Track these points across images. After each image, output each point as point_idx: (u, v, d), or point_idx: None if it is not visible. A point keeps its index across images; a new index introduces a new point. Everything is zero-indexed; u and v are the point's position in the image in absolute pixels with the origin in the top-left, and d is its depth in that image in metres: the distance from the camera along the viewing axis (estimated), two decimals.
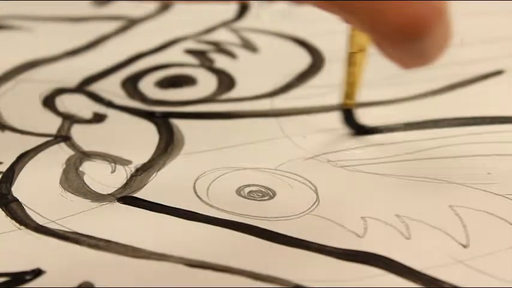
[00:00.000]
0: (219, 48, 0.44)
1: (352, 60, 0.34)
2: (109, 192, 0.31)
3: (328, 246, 0.28)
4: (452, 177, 0.32)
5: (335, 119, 0.36)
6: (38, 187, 0.32)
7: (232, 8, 0.48)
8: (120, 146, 0.34)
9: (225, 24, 0.47)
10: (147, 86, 0.40)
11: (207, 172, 0.32)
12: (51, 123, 0.36)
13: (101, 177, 0.32)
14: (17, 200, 0.31)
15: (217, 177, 0.32)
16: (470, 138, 0.35)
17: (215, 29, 0.46)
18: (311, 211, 0.30)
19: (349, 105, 0.35)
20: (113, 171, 0.33)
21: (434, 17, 0.23)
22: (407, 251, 0.28)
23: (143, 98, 0.39)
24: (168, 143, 0.35)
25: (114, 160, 0.33)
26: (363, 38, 0.33)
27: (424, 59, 0.25)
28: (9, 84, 0.40)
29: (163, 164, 0.33)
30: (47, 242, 0.29)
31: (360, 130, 0.35)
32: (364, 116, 0.36)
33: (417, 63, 0.26)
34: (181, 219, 0.30)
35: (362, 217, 0.30)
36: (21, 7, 0.48)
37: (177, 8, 0.48)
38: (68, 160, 0.33)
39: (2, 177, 0.32)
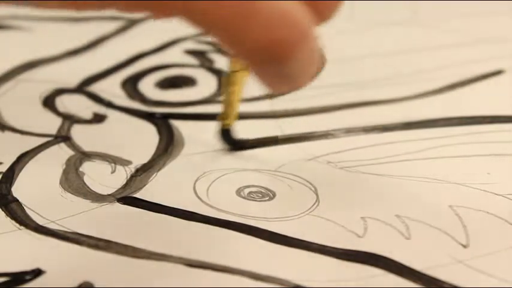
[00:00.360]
0: (219, 48, 0.44)
1: (232, 79, 0.33)
2: (109, 193, 0.31)
3: (328, 246, 0.28)
4: (452, 177, 0.32)
5: (335, 119, 0.36)
6: (38, 187, 0.32)
7: None
8: (120, 147, 0.34)
9: None
10: (147, 86, 0.40)
11: (207, 173, 0.32)
12: (51, 124, 0.36)
13: (101, 177, 0.32)
14: (17, 200, 0.31)
15: (217, 178, 0.32)
16: (470, 137, 0.35)
17: None
18: (311, 211, 0.30)
19: (227, 125, 0.34)
20: (112, 172, 0.33)
21: (297, 42, 0.22)
22: (407, 251, 0.28)
23: (143, 99, 0.39)
24: (168, 144, 0.35)
25: (114, 160, 0.33)
26: None
27: (291, 84, 0.24)
28: (9, 84, 0.40)
29: (163, 165, 0.33)
30: (47, 242, 0.29)
31: (236, 146, 0.34)
32: (366, 116, 0.37)
33: (284, 87, 0.25)
34: (181, 220, 0.30)
35: (362, 217, 0.30)
36: (21, 7, 0.48)
37: None
38: (68, 160, 0.33)
39: (2, 177, 0.32)
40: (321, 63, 0.24)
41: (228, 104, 0.33)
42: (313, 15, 0.23)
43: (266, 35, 0.22)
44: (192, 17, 0.22)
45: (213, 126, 0.36)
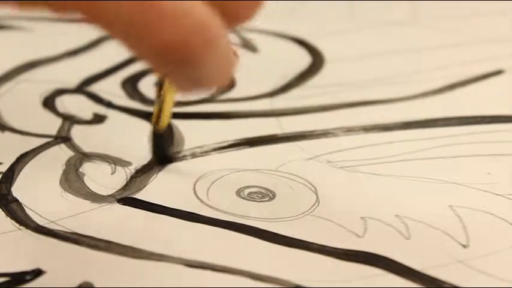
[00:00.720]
0: None
1: (162, 84, 0.31)
2: (109, 193, 0.31)
3: (328, 246, 0.28)
4: (452, 177, 0.32)
5: (335, 118, 0.36)
6: (38, 188, 0.32)
7: None
8: (120, 147, 0.34)
9: None
10: (147, 86, 0.40)
11: (207, 173, 0.32)
12: (51, 124, 0.36)
13: (101, 178, 0.32)
14: (17, 201, 0.31)
15: (218, 179, 0.32)
16: (470, 137, 0.35)
17: None
18: (311, 212, 0.30)
19: (159, 131, 0.33)
20: (112, 173, 0.33)
21: (203, 44, 0.22)
22: (407, 251, 0.28)
23: (143, 99, 0.39)
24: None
25: (114, 161, 0.33)
26: None
27: (200, 87, 0.24)
28: (9, 84, 0.40)
29: (164, 166, 0.33)
30: (47, 242, 0.29)
31: (165, 159, 0.33)
32: (366, 115, 0.37)
33: (193, 90, 0.24)
34: (181, 220, 0.30)
35: (362, 217, 0.30)
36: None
37: None
38: (68, 161, 0.33)
39: (2, 177, 0.32)
40: (232, 66, 0.24)
41: (158, 109, 0.32)
42: (224, 17, 0.22)
43: (170, 36, 0.21)
44: (91, 15, 0.22)
45: (213, 126, 0.36)
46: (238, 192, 0.31)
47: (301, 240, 0.29)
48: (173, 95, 0.32)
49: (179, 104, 0.38)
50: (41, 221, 0.29)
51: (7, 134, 0.36)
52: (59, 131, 0.36)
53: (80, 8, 0.22)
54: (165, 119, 0.32)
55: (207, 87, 0.24)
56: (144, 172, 0.33)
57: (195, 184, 0.32)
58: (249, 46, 0.44)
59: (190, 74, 0.22)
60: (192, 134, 0.35)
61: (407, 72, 0.41)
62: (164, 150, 0.33)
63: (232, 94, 0.39)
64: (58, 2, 0.22)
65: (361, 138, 0.35)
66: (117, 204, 0.31)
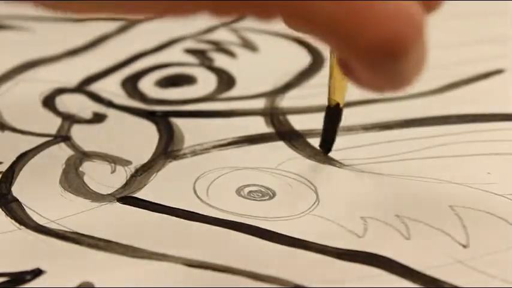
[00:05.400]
0: (219, 47, 0.44)
1: (333, 62, 0.31)
2: (109, 193, 0.31)
3: (328, 246, 0.28)
4: (452, 177, 0.32)
5: None
6: (38, 187, 0.32)
7: None
8: (120, 146, 0.34)
9: (225, 23, 0.47)
10: (147, 85, 0.40)
11: (206, 172, 0.32)
12: (51, 123, 0.36)
13: (101, 177, 0.32)
14: (16, 200, 0.31)
15: (217, 177, 0.32)
16: (470, 136, 0.35)
17: (215, 28, 0.46)
18: (311, 211, 0.30)
19: (334, 103, 0.33)
20: (112, 172, 0.33)
21: (413, 36, 0.21)
22: (407, 251, 0.28)
23: (143, 98, 0.39)
24: (168, 143, 0.35)
25: (114, 160, 0.33)
26: None
27: (400, 82, 0.23)
28: (9, 84, 0.40)
29: (163, 164, 0.33)
30: (47, 242, 0.29)
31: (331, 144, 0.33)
32: (366, 114, 0.37)
33: (392, 86, 0.24)
34: (181, 219, 0.30)
35: (362, 217, 0.30)
36: (21, 7, 0.48)
37: None
38: (68, 160, 0.33)
39: (2, 177, 0.32)
40: (427, 56, 0.23)
41: (333, 80, 0.32)
42: (423, 7, 0.22)
43: (381, 32, 0.21)
44: (298, 19, 0.21)
45: (213, 124, 0.36)
46: (238, 191, 0.31)
47: (301, 240, 0.29)
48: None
49: (180, 103, 0.38)
50: (40, 221, 0.29)
51: (7, 133, 0.36)
52: (59, 130, 0.36)
53: (285, 9, 0.21)
54: (343, 91, 0.32)
55: (404, 84, 0.23)
56: (144, 171, 0.33)
57: (194, 183, 0.32)
58: (248, 46, 0.44)
59: (395, 69, 0.22)
60: (192, 132, 0.35)
61: None
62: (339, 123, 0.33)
63: (232, 93, 0.39)
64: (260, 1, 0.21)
65: (361, 137, 0.35)
66: (117, 203, 0.31)
